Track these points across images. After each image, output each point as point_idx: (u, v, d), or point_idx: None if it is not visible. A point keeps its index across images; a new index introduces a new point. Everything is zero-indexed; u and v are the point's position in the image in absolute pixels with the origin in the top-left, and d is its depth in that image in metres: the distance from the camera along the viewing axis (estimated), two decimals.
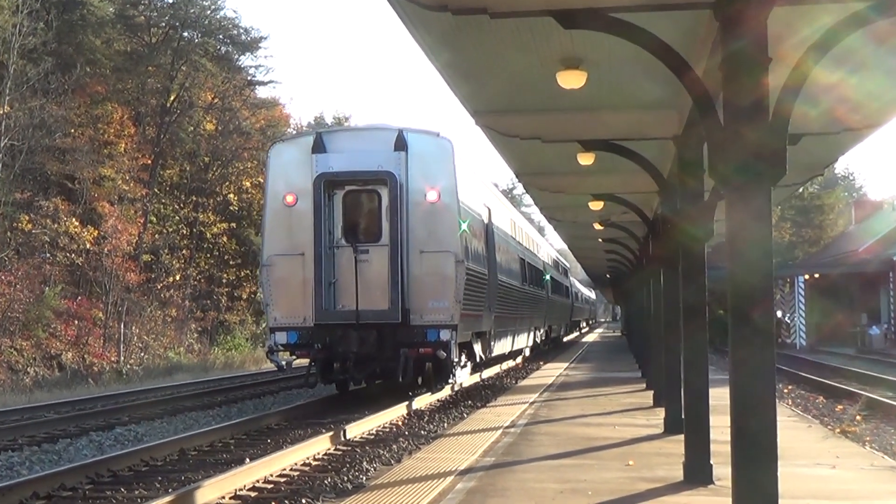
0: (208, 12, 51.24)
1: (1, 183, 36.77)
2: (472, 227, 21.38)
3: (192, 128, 51.34)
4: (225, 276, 52.16)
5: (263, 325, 51.66)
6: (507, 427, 14.85)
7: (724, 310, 6.53)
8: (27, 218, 38.37)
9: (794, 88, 6.30)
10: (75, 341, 37.32)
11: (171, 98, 49.51)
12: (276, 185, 20.31)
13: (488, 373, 28.89)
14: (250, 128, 53.71)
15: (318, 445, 14.21)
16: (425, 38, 8.99)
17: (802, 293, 52.32)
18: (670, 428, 13.52)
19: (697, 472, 9.84)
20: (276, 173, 20.43)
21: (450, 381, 22.01)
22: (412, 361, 19.78)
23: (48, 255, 39.30)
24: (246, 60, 56.01)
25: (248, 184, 53.45)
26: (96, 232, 40.80)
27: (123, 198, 43.06)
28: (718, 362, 31.92)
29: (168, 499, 10.00)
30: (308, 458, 13.48)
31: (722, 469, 8.97)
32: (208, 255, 51.85)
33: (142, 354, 40.49)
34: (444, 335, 19.63)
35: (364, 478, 12.02)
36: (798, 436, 13.60)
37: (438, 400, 21.86)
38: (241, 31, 54.01)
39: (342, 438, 15.14)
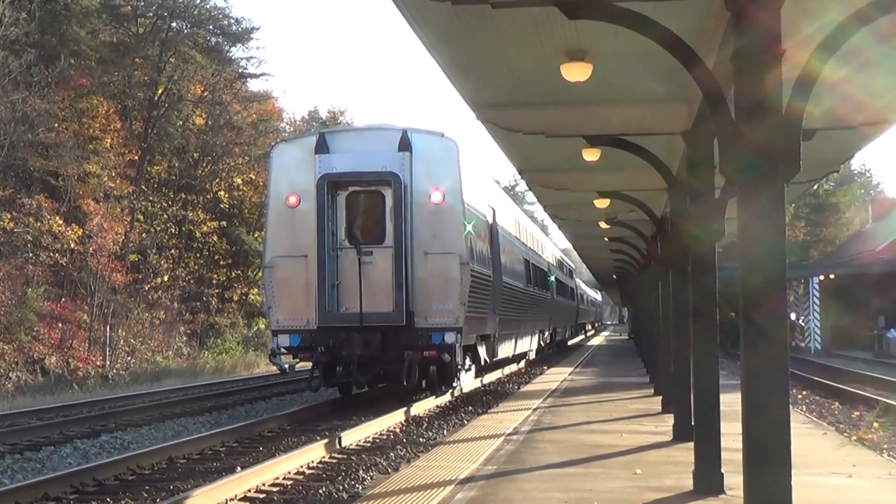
0: (198, 2, 51.29)
1: None
2: (476, 228, 21.72)
3: (180, 122, 51.34)
4: (215, 276, 52.17)
5: (255, 328, 51.79)
6: (509, 434, 14.86)
7: (736, 312, 6.53)
8: (9, 216, 38.37)
9: (809, 81, 6.30)
10: (59, 345, 37.31)
11: (159, 91, 49.50)
12: (279, 186, 20.72)
13: (489, 378, 28.90)
14: (241, 122, 53.71)
15: (313, 453, 14.21)
16: (424, 29, 8.99)
17: (817, 295, 52.32)
18: (679, 435, 13.53)
19: (708, 482, 9.84)
20: (278, 174, 20.82)
21: (454, 384, 22.35)
22: (417, 364, 20.13)
23: (31, 254, 39.30)
24: (237, 52, 56.20)
25: (239, 180, 53.46)
26: (81, 231, 40.80)
27: (109, 195, 43.06)
28: (729, 366, 31.92)
29: None
30: (302, 467, 13.48)
31: (733, 478, 8.98)
32: (198, 255, 51.85)
33: (128, 358, 40.48)
34: (449, 338, 19.99)
35: (360, 487, 12.02)
36: (813, 443, 13.61)
37: (438, 406, 21.88)
38: (232, 21, 54.06)
39: (337, 446, 15.15)
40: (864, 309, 53.83)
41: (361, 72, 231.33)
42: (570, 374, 30.00)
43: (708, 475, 9.87)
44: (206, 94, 52.44)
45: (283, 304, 20.43)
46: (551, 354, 44.49)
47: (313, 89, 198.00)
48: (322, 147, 20.44)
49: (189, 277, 50.12)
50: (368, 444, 15.98)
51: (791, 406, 6.67)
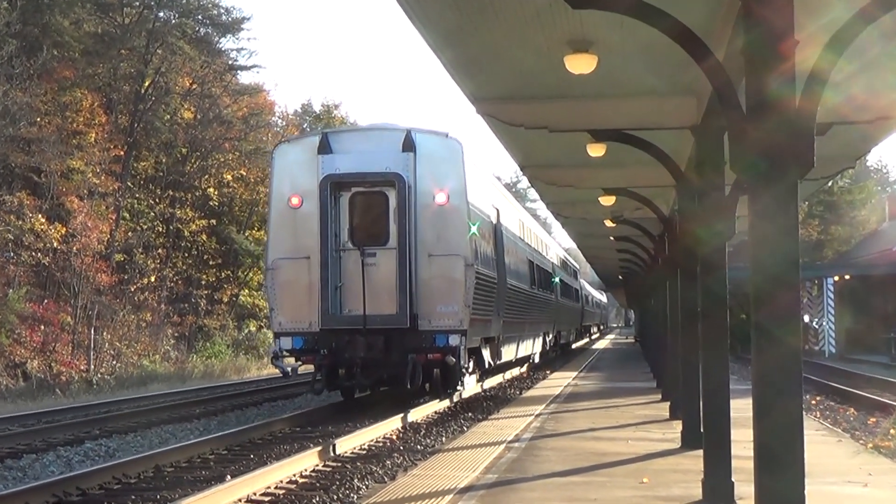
0: None
1: None
2: (481, 229, 22.10)
3: (168, 116, 51.32)
4: (204, 277, 52.16)
5: (246, 330, 51.79)
6: (510, 441, 14.86)
7: (747, 314, 6.53)
8: None
9: (823, 73, 6.29)
10: (41, 348, 37.29)
11: (146, 84, 49.47)
12: (281, 187, 21.21)
13: (490, 383, 28.91)
14: (232, 116, 53.66)
15: (306, 461, 14.20)
16: (422, 20, 8.99)
17: (831, 296, 52.30)
18: (688, 442, 13.54)
19: (718, 491, 9.84)
20: (280, 174, 21.33)
21: (458, 388, 22.77)
22: (420, 367, 20.59)
23: (12, 254, 39.25)
24: (227, 43, 56.06)
25: (229, 177, 53.46)
26: (64, 229, 40.76)
27: (94, 192, 43.02)
28: (740, 371, 31.92)
29: None
30: (294, 475, 13.47)
31: (744, 487, 8.98)
32: (186, 255, 51.84)
33: (113, 362, 40.44)
34: (454, 340, 20.47)
35: (355, 496, 12.02)
36: (827, 451, 13.61)
37: (436, 412, 21.90)
38: (222, 11, 54.04)
39: (332, 454, 15.14)
40: (881, 311, 53.82)
41: (356, 64, 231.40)
42: (574, 378, 30.02)
43: (718, 484, 9.87)
44: (194, 86, 52.43)
45: (286, 306, 20.90)
46: (555, 358, 44.54)
47: (306, 82, 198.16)
48: (325, 147, 20.90)
49: (177, 278, 50.10)
50: (364, 452, 15.98)
51: (804, 412, 6.66)
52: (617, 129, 12.51)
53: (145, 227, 48.48)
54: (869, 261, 59.90)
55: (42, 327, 38.16)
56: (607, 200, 18.57)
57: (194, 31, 52.53)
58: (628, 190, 16.93)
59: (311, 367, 21.51)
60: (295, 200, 20.92)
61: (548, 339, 39.76)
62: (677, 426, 14.95)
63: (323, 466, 14.43)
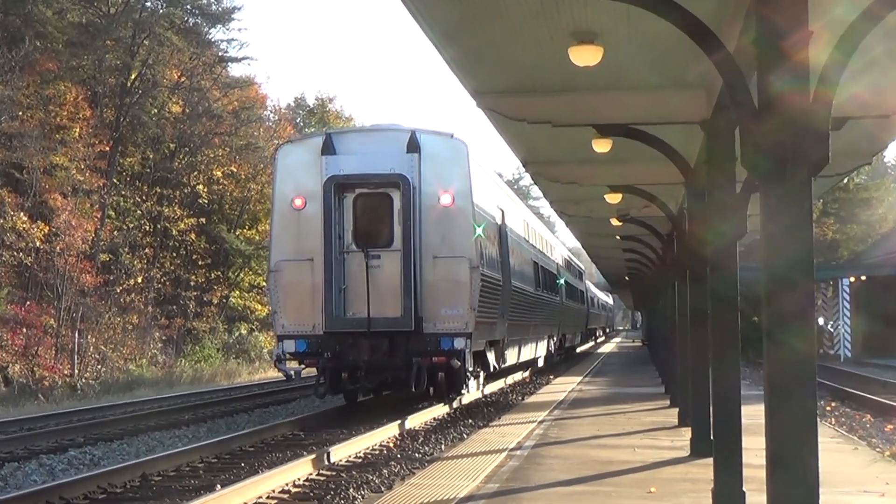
0: None
1: None
2: (486, 231, 22.63)
3: (155, 110, 51.29)
4: (193, 278, 52.14)
5: (237, 333, 51.80)
6: (512, 449, 14.87)
7: (759, 316, 6.53)
8: None
9: (839, 65, 6.29)
10: (23, 352, 37.28)
11: (132, 77, 49.46)
12: (284, 188, 21.76)
13: (491, 388, 28.92)
14: (222, 110, 53.66)
15: (299, 470, 14.21)
16: (420, 9, 8.99)
17: (847, 298, 52.30)
18: (697, 450, 13.54)
19: (728, 501, 9.85)
20: (283, 175, 21.88)
21: (462, 391, 23.34)
22: (425, 371, 21.19)
23: None
24: (217, 34, 56.01)
25: (219, 173, 53.45)
26: (47, 228, 40.77)
27: (78, 189, 43.02)
28: (752, 376, 31.92)
29: None
30: (287, 485, 13.48)
31: (756, 497, 8.98)
32: (174, 255, 51.84)
33: (99, 367, 40.45)
34: (459, 343, 20.99)
35: None
36: (842, 459, 13.61)
37: (435, 418, 21.94)
38: (212, 0, 54.01)
39: (326, 462, 15.15)
40: None
41: (352, 56, 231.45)
42: (578, 383, 30.03)
43: (728, 494, 9.87)
44: (183, 79, 52.41)
45: (289, 308, 21.42)
46: (558, 363, 44.59)
47: (300, 75, 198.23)
48: (328, 148, 21.41)
49: (164, 279, 50.10)
50: (360, 460, 15.99)
51: (819, 419, 6.66)
52: (623, 123, 12.51)
53: (132, 225, 48.46)
54: (886, 261, 59.82)
55: (24, 330, 38.15)
56: (613, 198, 18.56)
57: (183, 22, 52.52)
58: (635, 187, 16.92)
59: (313, 371, 22.03)
60: (298, 202, 21.42)
61: (552, 343, 40.07)
62: (686, 433, 14.95)
63: (317, 475, 14.43)
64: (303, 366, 22.10)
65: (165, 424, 22.28)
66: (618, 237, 27.39)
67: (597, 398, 24.69)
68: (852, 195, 78.20)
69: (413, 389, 21.08)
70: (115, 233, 46.79)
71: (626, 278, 49.40)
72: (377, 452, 16.91)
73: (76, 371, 38.59)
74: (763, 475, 6.38)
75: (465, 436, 18.49)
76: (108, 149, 46.57)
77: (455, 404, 23.98)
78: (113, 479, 13.98)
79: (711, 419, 11.26)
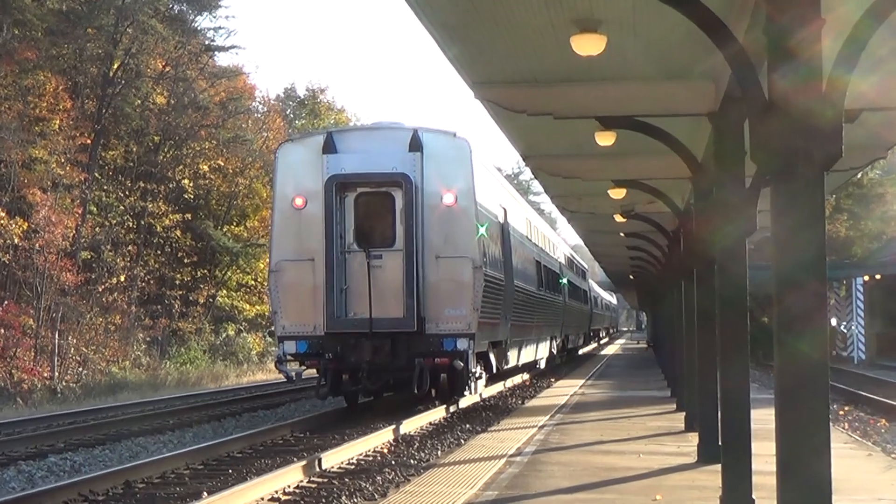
0: None
1: None
2: (489, 230, 23.11)
3: (139, 101, 51.24)
4: (178, 276, 52.13)
5: (224, 334, 51.80)
6: (512, 455, 14.87)
7: (769, 317, 6.54)
8: None
9: (853, 54, 6.29)
10: (1, 354, 37.25)
11: (115, 66, 49.42)
12: (285, 188, 22.31)
13: (490, 391, 28.93)
14: (208, 101, 53.64)
15: (289, 477, 14.20)
16: None
17: (861, 298, 52.32)
18: (705, 456, 13.55)
19: None
20: (284, 174, 22.45)
21: (465, 393, 23.95)
22: (428, 372, 21.62)
23: None
24: (203, 22, 56.06)
25: (205, 167, 53.43)
26: (26, 224, 40.71)
27: (58, 184, 42.98)
28: (762, 379, 31.95)
29: None
30: (277, 492, 13.48)
31: None
32: (159, 252, 51.80)
33: (80, 369, 40.43)
34: (462, 344, 21.59)
35: None
36: (856, 465, 13.63)
37: (431, 423, 21.98)
38: None
39: (317, 468, 15.15)
40: None
41: (344, 45, 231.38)
42: (581, 387, 30.04)
43: (737, 502, 9.89)
44: (167, 69, 52.38)
45: (290, 309, 21.98)
46: (560, 365, 44.64)
47: (289, 64, 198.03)
48: (330, 147, 21.94)
49: (149, 277, 50.07)
50: (352, 467, 15.99)
51: (832, 423, 6.67)
52: (627, 115, 12.51)
53: (114, 221, 48.40)
54: None
55: (2, 331, 38.10)
56: (617, 193, 18.57)
57: (167, 9, 52.50)
58: (640, 182, 16.94)
59: (313, 372, 22.53)
60: (299, 201, 21.93)
61: (556, 344, 40.52)
62: (693, 439, 14.96)
63: (307, 482, 14.43)
64: (304, 367, 22.53)
65: (149, 429, 22.27)
66: (622, 234, 27.41)
67: (600, 402, 24.70)
68: (866, 190, 78.17)
69: (416, 391, 21.50)
70: (97, 229, 46.76)
71: (631, 277, 49.44)
72: (371, 458, 16.91)
73: (56, 374, 38.55)
74: (773, 482, 6.39)
75: (463, 441, 18.48)
76: (89, 142, 46.52)
77: (452, 408, 24.08)
78: (95, 487, 13.97)
79: (719, 424, 11.27)
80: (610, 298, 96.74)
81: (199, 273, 53.41)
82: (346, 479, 14.59)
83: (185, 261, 53.13)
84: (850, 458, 14.22)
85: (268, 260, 24.11)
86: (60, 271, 41.13)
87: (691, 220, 15.25)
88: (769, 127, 6.30)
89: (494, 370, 26.03)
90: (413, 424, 20.99)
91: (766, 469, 7.88)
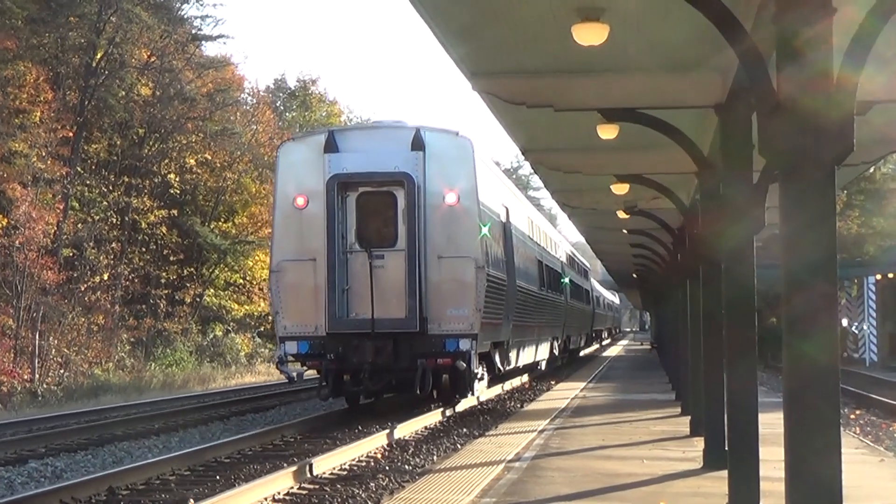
0: None
1: None
2: (491, 230, 23.67)
3: (123, 93, 51.20)
4: (164, 275, 52.10)
5: (211, 335, 51.78)
6: (510, 461, 14.88)
7: (777, 317, 6.55)
8: None
9: (865, 45, 6.29)
10: None
11: (98, 56, 49.35)
12: (286, 187, 22.94)
13: (487, 394, 28.95)
14: (195, 92, 53.55)
15: (279, 483, 14.21)
16: None
17: (873, 297, 52.32)
18: (711, 462, 13.56)
19: None
20: (285, 174, 23.09)
21: (467, 394, 24.56)
22: (430, 373, 22.14)
23: None
24: (189, 10, 56.05)
25: (192, 161, 53.38)
26: (5, 221, 40.69)
27: (39, 178, 42.93)
28: (770, 381, 31.95)
29: None
30: (266, 499, 13.48)
31: None
32: (143, 250, 51.75)
33: (61, 371, 40.40)
34: (464, 345, 22.12)
35: None
36: (867, 471, 13.64)
37: (426, 427, 22.03)
38: None
39: (308, 474, 15.15)
40: None
41: (336, 34, 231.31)
42: (582, 390, 30.07)
43: None
44: (153, 59, 52.32)
45: (291, 309, 22.57)
46: (561, 367, 44.70)
47: (279, 54, 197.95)
48: (331, 146, 22.53)
49: (133, 276, 49.99)
50: (345, 473, 16.00)
51: (843, 427, 6.68)
52: (630, 108, 12.51)
53: (97, 217, 48.36)
54: None
55: None
56: (620, 189, 18.56)
57: None
58: (643, 177, 16.93)
59: (313, 373, 23.12)
60: (300, 201, 22.50)
61: (557, 344, 40.84)
62: (699, 444, 14.97)
63: (298, 489, 14.44)
64: (305, 368, 23.06)
65: (134, 434, 22.28)
66: (624, 231, 27.41)
67: (602, 405, 24.72)
68: (879, 185, 78.19)
69: (418, 392, 21.99)
70: (80, 226, 46.69)
71: (634, 276, 49.47)
72: (364, 464, 16.92)
73: (37, 376, 38.53)
74: (781, 489, 6.39)
75: (459, 446, 18.50)
76: (71, 134, 46.45)
77: (449, 412, 24.19)
78: (77, 493, 13.96)
79: (726, 428, 11.29)
80: (612, 298, 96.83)
81: (185, 271, 53.37)
82: (339, 486, 14.60)
83: (171, 258, 53.08)
84: (861, 464, 14.23)
85: (267, 259, 25.65)
86: (41, 269, 41.08)
87: (697, 216, 15.24)
88: (778, 122, 6.29)
89: (497, 371, 26.58)
90: (408, 429, 21.02)
91: (775, 475, 7.90)
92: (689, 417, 18.73)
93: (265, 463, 17.16)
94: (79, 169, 47.70)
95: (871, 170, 57.54)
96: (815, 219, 6.28)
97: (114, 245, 49.17)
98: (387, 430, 19.76)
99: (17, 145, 42.21)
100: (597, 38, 9.93)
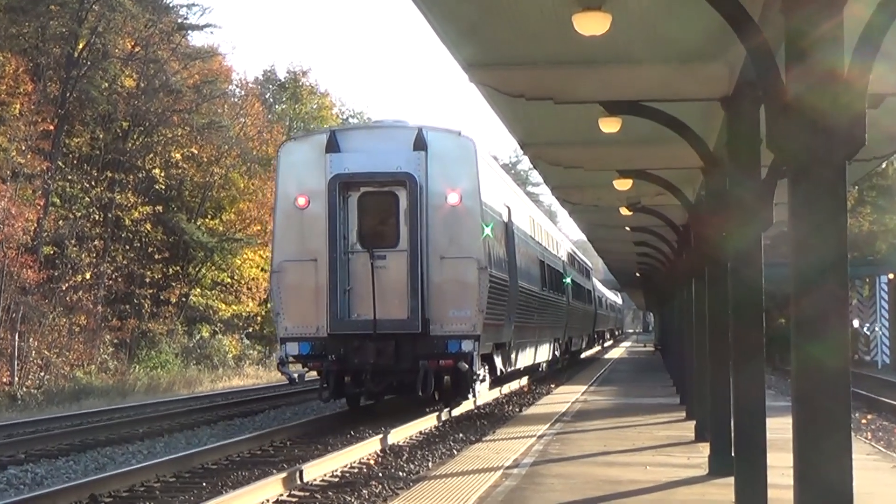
0: None
1: None
2: (494, 230, 24.24)
3: (106, 84, 51.10)
4: (149, 273, 52.03)
5: (198, 336, 51.74)
6: (508, 467, 14.88)
7: (786, 318, 6.55)
8: None
9: (877, 36, 6.29)
10: None
11: (80, 46, 49.28)
12: (287, 187, 23.64)
13: (484, 398, 28.97)
14: (181, 84, 53.51)
15: (268, 490, 14.20)
16: None
17: (886, 297, 52.36)
18: (717, 469, 13.56)
19: None
20: (286, 173, 23.83)
21: (469, 396, 25.15)
22: (432, 374, 22.83)
23: None
24: None
25: (178, 156, 53.29)
26: None
27: (18, 173, 42.89)
28: (778, 384, 31.98)
29: None
30: None
31: None
32: (127, 247, 51.69)
33: (42, 374, 40.37)
34: (466, 346, 22.76)
35: None
36: (880, 479, 13.64)
37: (421, 432, 22.05)
38: None
39: (298, 481, 15.15)
40: None
41: (326, 23, 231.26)
42: (583, 393, 30.08)
43: None
44: (137, 49, 52.25)
45: (292, 310, 23.23)
46: (561, 370, 44.75)
47: (269, 45, 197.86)
48: (333, 146, 23.20)
49: (116, 275, 49.96)
50: (336, 479, 16.00)
51: (853, 433, 6.68)
52: (634, 100, 12.51)
53: (79, 214, 48.29)
54: None
55: None
56: (622, 185, 18.56)
57: None
58: (647, 172, 16.94)
59: (313, 374, 23.87)
60: (301, 201, 23.14)
61: (559, 346, 41.26)
62: (704, 449, 14.97)
63: (288, 496, 14.44)
64: (306, 369, 23.81)
65: (117, 439, 22.26)
66: (627, 229, 27.43)
67: (604, 410, 24.73)
68: (892, 182, 78.19)
69: (420, 394, 22.64)
70: (61, 222, 46.63)
71: (637, 275, 49.52)
72: (356, 471, 16.93)
73: (16, 379, 38.51)
74: (790, 497, 6.39)
75: (456, 452, 18.51)
76: (52, 128, 46.37)
77: (445, 416, 24.24)
78: (58, 501, 13.97)
79: (732, 433, 11.29)
80: (615, 298, 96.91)
81: (170, 270, 53.29)
82: (330, 493, 14.61)
83: (156, 257, 52.98)
84: (873, 471, 14.24)
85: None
86: (21, 268, 41.05)
87: (703, 213, 15.25)
88: (787, 113, 6.30)
89: (499, 372, 27.07)
90: (402, 434, 21.03)
91: (783, 482, 7.90)
92: (694, 422, 18.73)
93: (254, 469, 17.17)
94: (60, 163, 47.62)
95: (884, 165, 57.48)
96: (825, 217, 6.28)
97: (96, 243, 49.10)
98: (380, 435, 19.77)
99: None
100: (598, 28, 9.93)
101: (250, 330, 57.21)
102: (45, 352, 41.84)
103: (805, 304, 6.32)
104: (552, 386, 35.59)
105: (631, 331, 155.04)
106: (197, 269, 54.62)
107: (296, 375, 23.82)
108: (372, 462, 17.88)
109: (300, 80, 72.82)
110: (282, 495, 14.40)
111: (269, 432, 21.65)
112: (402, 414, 23.90)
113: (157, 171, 52.52)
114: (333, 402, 25.15)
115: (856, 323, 52.29)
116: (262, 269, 54.82)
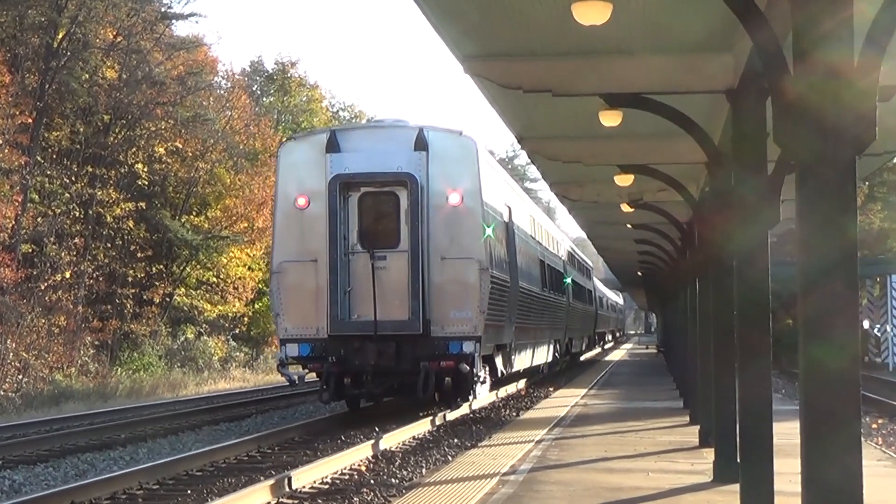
0: None
1: None
2: (495, 230, 24.71)
3: (86, 75, 51.06)
4: (131, 272, 51.97)
5: (182, 337, 51.73)
6: (505, 473, 14.90)
7: (793, 319, 6.58)
8: None
9: (888, 25, 6.30)
10: None
11: (59, 36, 49.23)
12: (287, 187, 24.25)
13: (480, 402, 28.98)
14: (165, 76, 53.44)
15: (255, 497, 14.22)
16: None
17: None
18: (721, 475, 13.59)
19: None
20: (286, 173, 24.45)
21: (469, 398, 25.82)
22: (433, 376, 23.34)
23: None
24: None
25: (161, 150, 53.21)
26: None
27: None
28: (786, 388, 32.01)
29: None
30: None
31: None
32: (109, 245, 51.62)
33: (20, 377, 40.33)
34: (468, 347, 23.34)
35: None
36: (891, 486, 13.66)
37: (414, 437, 22.07)
38: None
39: (287, 488, 15.17)
40: None
41: (316, 12, 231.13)
42: (583, 397, 30.10)
43: None
44: (119, 39, 52.19)
45: (292, 311, 23.84)
46: (559, 373, 44.81)
47: (256, 35, 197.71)
48: (333, 145, 23.79)
49: (97, 274, 49.90)
50: (326, 486, 16.02)
51: (863, 438, 6.69)
52: (635, 92, 12.52)
53: (59, 211, 48.24)
54: None
55: None
56: (624, 180, 18.57)
57: None
58: (649, 168, 16.95)
59: (314, 375, 24.43)
60: (301, 201, 23.74)
61: (559, 347, 41.66)
62: (708, 455, 15.00)
63: None
64: (306, 370, 24.49)
65: (98, 444, 22.26)
66: (629, 226, 27.45)
67: (604, 414, 24.75)
68: None
69: (421, 395, 23.25)
70: (40, 220, 46.58)
71: (639, 274, 49.57)
72: (347, 477, 16.95)
73: None
74: None
75: (451, 458, 18.51)
76: (30, 121, 46.34)
77: (439, 421, 24.30)
78: None
79: (738, 439, 11.31)
80: (616, 298, 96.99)
81: (154, 269, 53.21)
82: (320, 501, 14.64)
83: (139, 255, 52.90)
84: (884, 478, 14.25)
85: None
86: None
87: (707, 210, 15.27)
88: (795, 106, 6.30)
89: (500, 374, 27.62)
90: (395, 439, 21.04)
91: (790, 489, 7.91)
92: (699, 427, 18.75)
93: (240, 476, 17.17)
94: (38, 158, 47.55)
95: (894, 160, 57.58)
96: (833, 214, 6.28)
97: (76, 240, 49.03)
98: (372, 441, 19.79)
99: None
100: (598, 18, 9.94)
101: (237, 331, 57.19)
102: (24, 354, 41.78)
103: (813, 304, 6.33)
104: (551, 389, 35.63)
105: (633, 332, 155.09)
106: (181, 267, 54.58)
107: (296, 377, 24.39)
108: (363, 468, 17.89)
109: (288, 72, 72.80)
110: (270, 502, 14.40)
111: (257, 437, 21.65)
112: (396, 417, 24.08)
113: (139, 166, 52.43)
114: (324, 405, 25.50)
115: (866, 324, 52.35)
116: (249, 268, 54.90)
